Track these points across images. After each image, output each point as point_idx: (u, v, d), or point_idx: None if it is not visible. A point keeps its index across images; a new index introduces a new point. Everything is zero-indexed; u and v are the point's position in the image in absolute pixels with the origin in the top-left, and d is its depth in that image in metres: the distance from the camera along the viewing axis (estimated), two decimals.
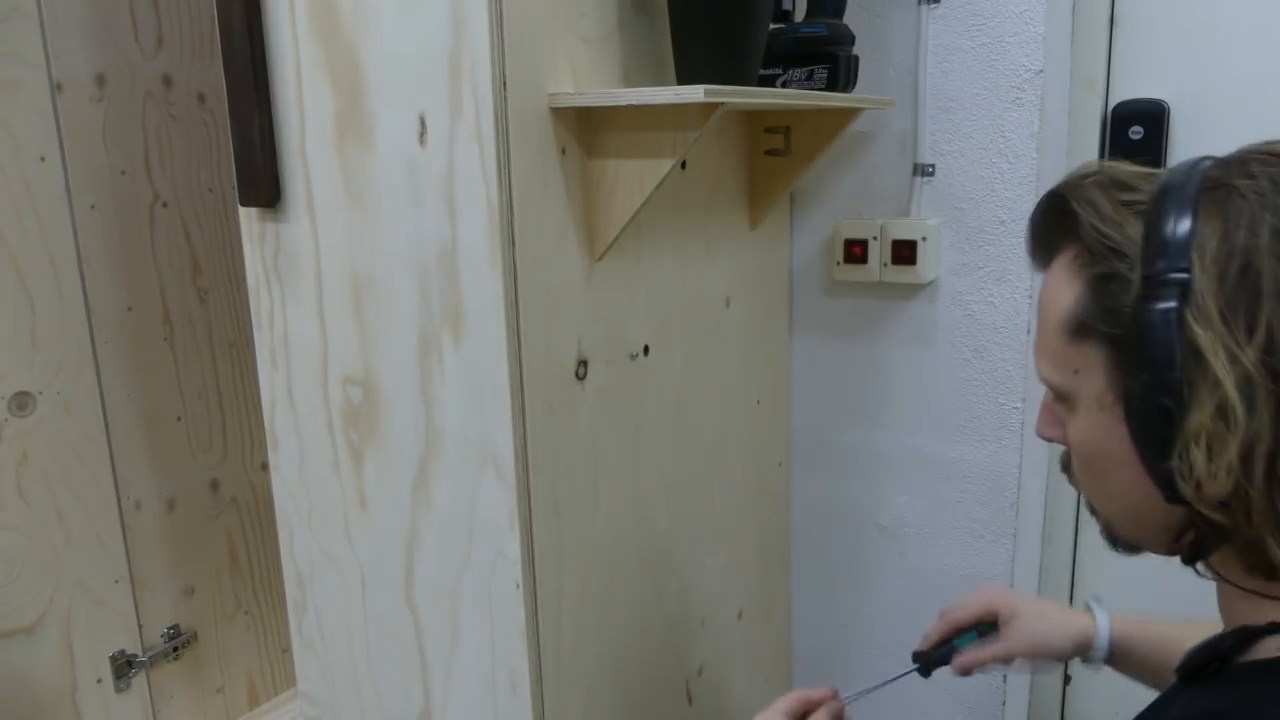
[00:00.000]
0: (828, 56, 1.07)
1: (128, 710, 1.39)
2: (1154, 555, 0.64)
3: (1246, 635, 0.56)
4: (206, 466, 1.46)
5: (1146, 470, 0.55)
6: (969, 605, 0.95)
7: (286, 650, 1.61)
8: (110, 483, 1.33)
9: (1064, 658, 0.90)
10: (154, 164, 1.35)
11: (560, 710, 0.98)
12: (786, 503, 1.45)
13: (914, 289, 1.28)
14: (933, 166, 1.25)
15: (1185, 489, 0.52)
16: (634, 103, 0.84)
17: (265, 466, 1.52)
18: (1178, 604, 1.25)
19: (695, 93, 0.80)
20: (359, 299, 0.97)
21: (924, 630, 1.40)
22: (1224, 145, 0.58)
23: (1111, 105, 1.19)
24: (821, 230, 1.34)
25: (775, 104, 1.06)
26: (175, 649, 1.44)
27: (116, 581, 1.35)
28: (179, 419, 1.42)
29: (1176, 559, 0.60)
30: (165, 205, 1.37)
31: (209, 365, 1.45)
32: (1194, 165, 0.55)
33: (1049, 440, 0.65)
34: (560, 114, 0.88)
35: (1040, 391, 0.67)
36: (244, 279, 1.31)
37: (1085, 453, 0.60)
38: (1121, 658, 0.89)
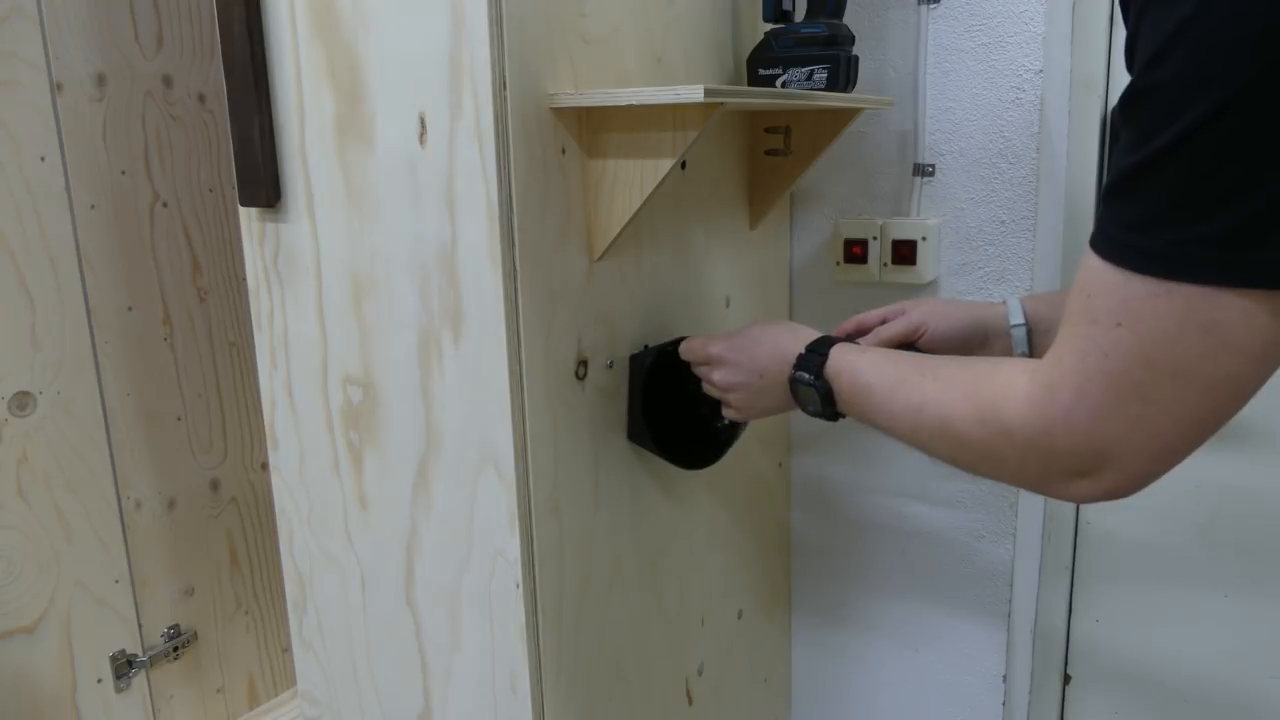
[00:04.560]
0: (828, 56, 1.07)
1: (128, 710, 1.39)
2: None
3: None
4: (206, 466, 1.46)
5: None
6: (880, 309, 1.00)
7: (286, 650, 1.61)
8: (110, 483, 1.33)
9: (969, 336, 0.94)
10: (154, 164, 1.35)
11: (560, 710, 0.98)
12: (786, 503, 1.45)
13: (914, 289, 1.28)
14: (933, 166, 1.25)
15: None
16: (634, 103, 0.84)
17: (265, 466, 1.52)
18: (1179, 603, 1.26)
19: (695, 93, 0.80)
20: (359, 299, 0.97)
21: (924, 632, 1.40)
22: None
23: (1111, 105, 1.19)
24: (821, 230, 1.34)
25: (775, 104, 1.06)
26: (175, 649, 1.44)
27: (116, 581, 1.35)
28: (179, 419, 1.42)
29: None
30: (165, 205, 1.37)
31: (209, 365, 1.45)
32: None
33: None
34: (560, 114, 0.88)
35: None
36: (244, 279, 1.31)
37: None
38: (1044, 327, 0.92)
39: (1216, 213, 0.48)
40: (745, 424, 1.09)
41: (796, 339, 0.86)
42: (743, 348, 0.91)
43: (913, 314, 0.96)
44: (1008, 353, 0.93)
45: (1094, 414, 0.55)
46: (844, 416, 0.83)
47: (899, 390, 0.73)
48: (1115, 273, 0.52)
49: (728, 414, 0.96)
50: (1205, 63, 0.46)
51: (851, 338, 0.98)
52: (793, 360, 0.84)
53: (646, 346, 1.05)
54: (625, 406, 1.03)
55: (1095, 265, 0.54)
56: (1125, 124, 0.52)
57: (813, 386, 0.82)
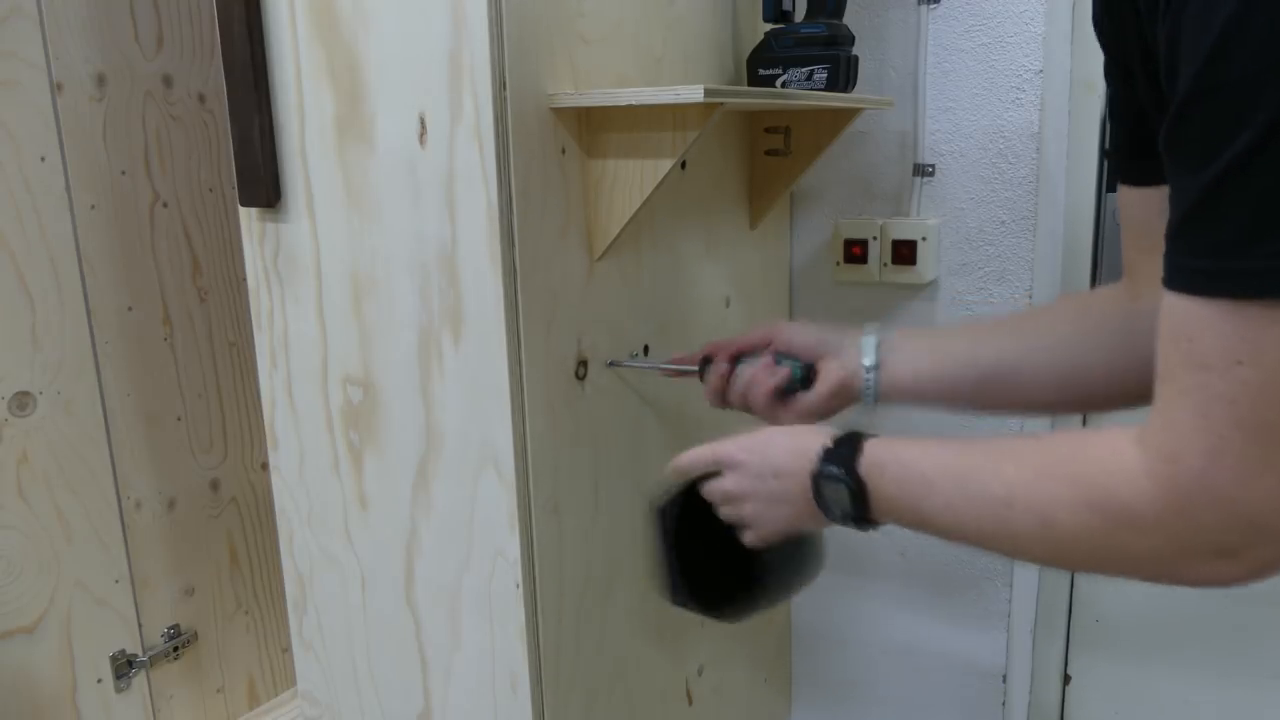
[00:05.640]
0: (828, 56, 1.07)
1: (128, 710, 1.39)
2: None
3: None
4: (206, 466, 1.46)
5: None
6: (753, 332, 0.93)
7: (286, 650, 1.61)
8: (110, 483, 1.33)
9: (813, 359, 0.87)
10: (154, 164, 1.35)
11: (560, 710, 0.98)
12: None
13: (914, 289, 1.28)
14: (933, 166, 1.25)
15: None
16: (634, 103, 0.84)
17: (265, 466, 1.52)
18: (1179, 604, 1.26)
19: (695, 93, 0.80)
20: (359, 299, 0.97)
21: (924, 632, 1.40)
22: None
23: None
24: (821, 230, 1.35)
25: (775, 104, 1.06)
26: (175, 649, 1.44)
27: (116, 581, 1.35)
28: (179, 419, 1.42)
29: None
30: (165, 205, 1.37)
31: (209, 365, 1.45)
32: None
33: None
34: (560, 114, 0.88)
35: None
36: (244, 279, 1.31)
37: None
38: (893, 366, 0.83)
39: None
40: (794, 558, 0.89)
41: (820, 435, 0.71)
42: (755, 447, 0.76)
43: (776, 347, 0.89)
44: (851, 391, 0.84)
45: (1238, 475, 0.47)
46: (877, 525, 0.69)
47: (972, 482, 0.60)
48: (1216, 307, 0.46)
49: (746, 538, 0.78)
50: (1272, 54, 0.42)
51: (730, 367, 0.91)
52: (817, 454, 0.69)
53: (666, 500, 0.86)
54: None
55: (1185, 306, 0.47)
56: (1182, 141, 0.46)
57: (842, 483, 0.67)
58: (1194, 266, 0.47)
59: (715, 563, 0.85)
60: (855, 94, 1.13)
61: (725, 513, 0.79)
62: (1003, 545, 0.60)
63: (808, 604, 1.49)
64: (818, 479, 0.69)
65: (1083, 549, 0.55)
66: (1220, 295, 0.45)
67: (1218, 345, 0.46)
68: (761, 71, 1.11)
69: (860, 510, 0.67)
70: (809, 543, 0.89)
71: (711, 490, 0.80)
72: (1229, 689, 1.25)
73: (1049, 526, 0.56)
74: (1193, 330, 0.47)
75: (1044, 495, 0.56)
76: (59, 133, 1.24)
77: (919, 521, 0.65)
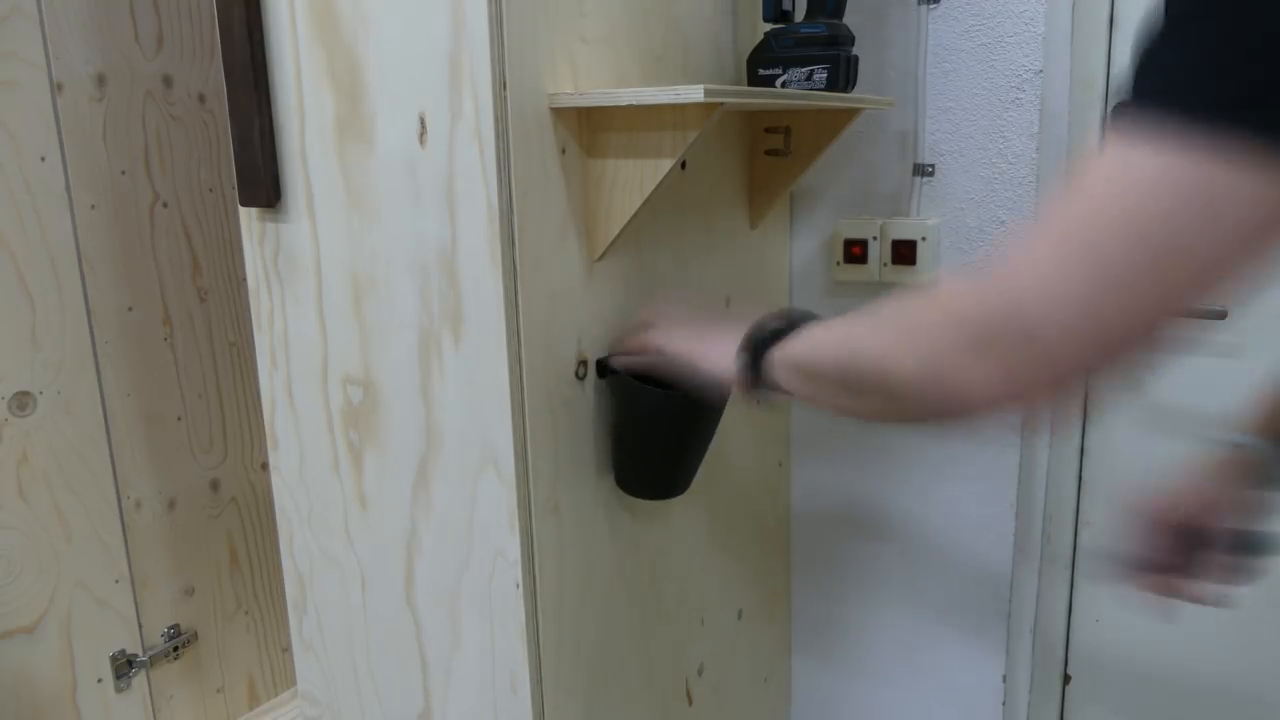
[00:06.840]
0: (828, 56, 1.07)
1: (128, 710, 1.39)
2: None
3: None
4: (206, 466, 1.46)
5: None
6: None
7: (286, 650, 1.61)
8: (110, 483, 1.33)
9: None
10: (154, 164, 1.35)
11: (560, 710, 0.98)
12: (786, 503, 1.45)
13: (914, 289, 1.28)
14: (933, 166, 1.25)
15: None
16: (634, 103, 0.84)
17: (265, 466, 1.52)
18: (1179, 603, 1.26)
19: (695, 93, 0.80)
20: (359, 299, 0.97)
21: (924, 632, 1.40)
22: None
23: (1111, 105, 1.19)
24: (821, 230, 1.35)
25: (775, 104, 1.06)
26: (175, 649, 1.44)
27: (116, 581, 1.35)
28: (179, 419, 1.42)
29: None
30: (165, 205, 1.37)
31: (209, 365, 1.45)
32: None
33: None
34: (560, 114, 0.88)
35: None
36: (244, 279, 1.31)
37: None
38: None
39: (1243, 68, 0.43)
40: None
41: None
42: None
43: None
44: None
45: (1035, 280, 0.49)
46: (768, 379, 0.74)
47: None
48: (1118, 134, 0.48)
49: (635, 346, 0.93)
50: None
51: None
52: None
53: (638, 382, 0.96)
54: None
55: (1107, 141, 0.49)
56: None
57: (784, 325, 0.74)
58: (1120, 103, 0.50)
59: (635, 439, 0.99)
60: (855, 94, 1.13)
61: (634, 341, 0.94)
62: (847, 348, 0.64)
63: (808, 603, 1.49)
64: (766, 319, 0.77)
65: (887, 330, 0.60)
66: (1125, 121, 0.48)
67: (1103, 167, 0.48)
68: (761, 71, 1.11)
69: (771, 344, 0.74)
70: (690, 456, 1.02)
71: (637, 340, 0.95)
72: (1229, 690, 1.25)
73: (881, 312, 0.61)
74: (1096, 160, 0.49)
75: (906, 303, 0.61)
76: (59, 133, 1.24)
77: (807, 363, 0.70)
